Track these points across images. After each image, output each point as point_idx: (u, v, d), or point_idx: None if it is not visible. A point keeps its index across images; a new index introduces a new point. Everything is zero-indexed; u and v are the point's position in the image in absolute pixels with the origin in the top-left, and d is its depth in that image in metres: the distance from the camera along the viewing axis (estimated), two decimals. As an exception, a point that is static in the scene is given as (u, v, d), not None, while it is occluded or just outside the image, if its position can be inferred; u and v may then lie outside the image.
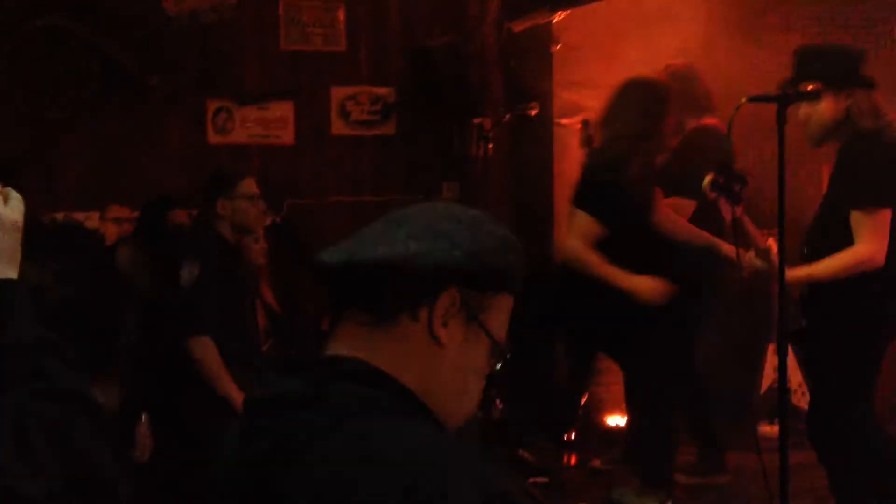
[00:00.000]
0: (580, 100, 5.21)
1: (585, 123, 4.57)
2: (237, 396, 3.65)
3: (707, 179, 3.41)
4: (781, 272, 3.00)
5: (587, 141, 4.50)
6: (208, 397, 3.66)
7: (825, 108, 3.27)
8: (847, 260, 3.23)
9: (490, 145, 4.86)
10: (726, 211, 3.36)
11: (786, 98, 2.93)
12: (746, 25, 5.15)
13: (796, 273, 3.26)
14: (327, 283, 1.29)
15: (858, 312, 3.28)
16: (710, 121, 4.46)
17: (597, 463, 4.80)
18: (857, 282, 3.23)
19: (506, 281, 1.31)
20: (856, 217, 3.20)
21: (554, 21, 5.09)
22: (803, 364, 3.59)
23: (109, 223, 4.72)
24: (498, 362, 1.33)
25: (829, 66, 3.28)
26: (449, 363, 1.28)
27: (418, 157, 5.63)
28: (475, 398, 1.34)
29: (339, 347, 1.27)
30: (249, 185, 3.92)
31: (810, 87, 2.98)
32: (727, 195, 3.32)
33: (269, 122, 5.59)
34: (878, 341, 3.35)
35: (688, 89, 4.40)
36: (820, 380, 3.49)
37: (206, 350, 3.69)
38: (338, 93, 5.65)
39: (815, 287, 3.33)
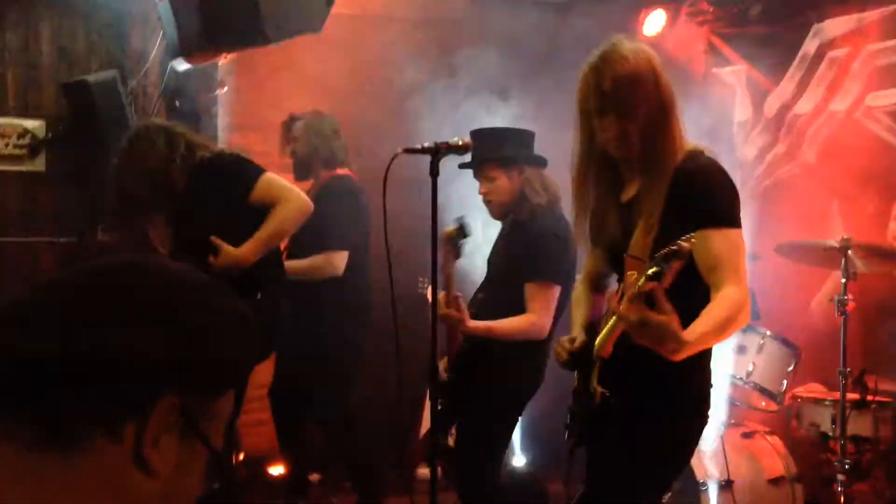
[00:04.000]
0: (245, 143, 5.13)
1: None
2: None
3: (452, 229, 3.45)
4: (434, 320, 3.07)
5: None
6: None
7: (502, 186, 3.62)
8: (521, 324, 3.50)
9: (150, 186, 4.63)
10: (448, 261, 3.44)
11: (437, 151, 3.04)
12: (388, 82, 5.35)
13: (477, 325, 3.45)
14: None
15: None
16: (342, 171, 4.54)
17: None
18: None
19: (240, 374, 0.99)
20: (529, 288, 3.51)
21: (220, 63, 4.99)
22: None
23: None
24: (216, 481, 0.98)
25: (503, 147, 3.62)
26: (157, 499, 0.90)
27: (70, 197, 5.26)
28: None
29: None
30: None
31: (461, 142, 3.10)
32: (454, 248, 3.45)
33: None
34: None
35: (323, 139, 4.49)
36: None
37: None
38: (-22, 123, 5.17)
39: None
